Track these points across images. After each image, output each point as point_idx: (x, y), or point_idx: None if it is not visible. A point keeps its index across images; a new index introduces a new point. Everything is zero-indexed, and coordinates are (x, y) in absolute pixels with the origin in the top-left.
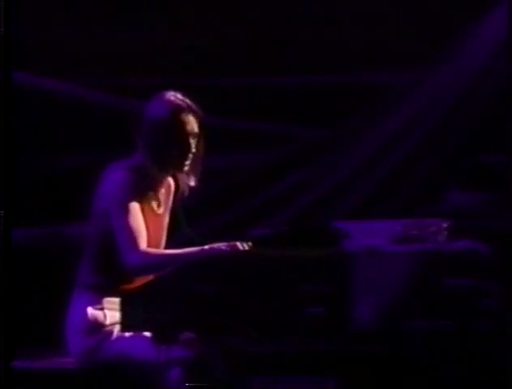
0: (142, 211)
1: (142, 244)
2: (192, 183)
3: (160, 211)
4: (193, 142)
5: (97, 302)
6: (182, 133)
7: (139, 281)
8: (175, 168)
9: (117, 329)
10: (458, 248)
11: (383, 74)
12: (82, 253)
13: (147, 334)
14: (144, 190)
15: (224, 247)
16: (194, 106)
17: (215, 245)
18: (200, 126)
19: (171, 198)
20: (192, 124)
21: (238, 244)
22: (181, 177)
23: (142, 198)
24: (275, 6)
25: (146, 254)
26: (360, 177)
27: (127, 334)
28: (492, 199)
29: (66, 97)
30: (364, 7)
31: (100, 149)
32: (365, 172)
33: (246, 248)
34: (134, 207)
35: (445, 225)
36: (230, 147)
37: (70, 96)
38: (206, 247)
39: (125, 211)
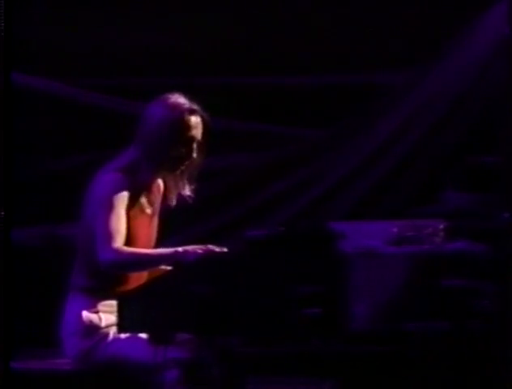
0: (132, 211)
1: (118, 242)
2: (187, 192)
3: (150, 211)
4: (195, 147)
5: (92, 305)
6: (187, 136)
7: (133, 283)
8: (168, 169)
9: (113, 331)
10: (455, 249)
11: (383, 74)
12: (74, 255)
13: (144, 335)
14: (134, 191)
15: (198, 250)
16: (201, 111)
17: (189, 248)
18: (204, 133)
19: (160, 199)
20: (198, 129)
21: (213, 247)
22: (172, 184)
23: (132, 199)
24: (276, 5)
25: (118, 250)
26: (357, 177)
27: (123, 336)
28: (489, 200)
29: (65, 98)
30: (364, 7)
31: (99, 150)
32: (362, 172)
33: (222, 250)
34: (119, 208)
35: (441, 226)
36: (229, 147)
37: (69, 97)
38: (179, 249)
39: (108, 211)
